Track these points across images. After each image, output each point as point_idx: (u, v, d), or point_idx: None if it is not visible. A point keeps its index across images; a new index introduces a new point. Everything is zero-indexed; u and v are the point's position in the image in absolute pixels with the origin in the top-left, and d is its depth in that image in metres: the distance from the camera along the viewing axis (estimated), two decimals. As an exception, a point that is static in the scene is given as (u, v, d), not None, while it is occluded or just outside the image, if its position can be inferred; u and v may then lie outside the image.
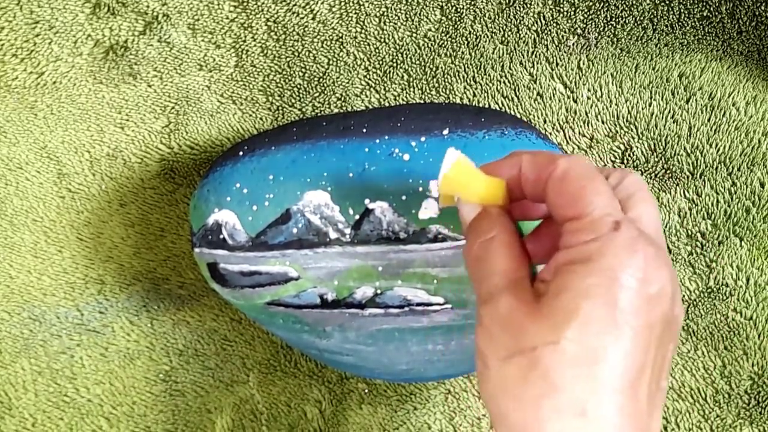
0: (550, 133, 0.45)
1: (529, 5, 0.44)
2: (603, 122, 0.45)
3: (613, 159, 0.45)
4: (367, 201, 0.34)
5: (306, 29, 0.43)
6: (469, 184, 0.26)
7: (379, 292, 0.35)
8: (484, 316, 0.24)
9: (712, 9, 0.44)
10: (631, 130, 0.45)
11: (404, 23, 0.44)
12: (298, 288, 0.35)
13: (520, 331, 0.22)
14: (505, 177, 0.26)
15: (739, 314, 0.46)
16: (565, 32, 0.44)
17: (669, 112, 0.45)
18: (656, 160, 0.45)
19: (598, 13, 0.44)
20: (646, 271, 0.21)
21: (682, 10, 0.44)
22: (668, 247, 0.46)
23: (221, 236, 0.35)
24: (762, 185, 0.45)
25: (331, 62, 0.44)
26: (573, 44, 0.45)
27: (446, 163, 0.26)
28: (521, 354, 0.22)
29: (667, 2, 0.44)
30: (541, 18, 0.44)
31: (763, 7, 0.44)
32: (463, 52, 0.45)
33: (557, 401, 0.21)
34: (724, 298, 0.46)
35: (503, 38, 0.44)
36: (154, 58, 0.42)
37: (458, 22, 0.44)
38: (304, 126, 0.36)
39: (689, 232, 0.46)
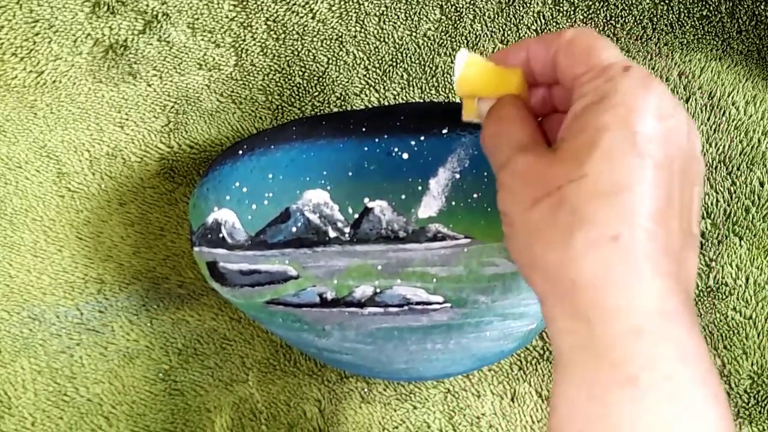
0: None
1: (528, 5, 0.44)
2: (602, 121, 0.45)
3: (612, 158, 0.45)
4: (366, 200, 0.34)
5: (305, 28, 0.43)
6: (484, 77, 0.26)
7: (378, 291, 0.35)
8: (503, 178, 0.24)
9: (711, 8, 0.44)
10: (631, 130, 0.45)
11: (404, 22, 0.44)
12: (297, 287, 0.35)
13: (542, 177, 0.22)
14: (515, 63, 0.26)
15: (739, 313, 0.46)
16: (564, 31, 0.44)
17: (668, 111, 0.45)
18: (656, 159, 0.45)
19: (598, 12, 0.44)
20: (661, 105, 0.22)
21: (681, 10, 0.44)
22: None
23: (221, 235, 0.35)
24: (761, 184, 0.45)
25: (330, 61, 0.44)
26: (572, 43, 0.44)
27: (458, 64, 0.27)
28: (547, 197, 0.22)
29: (667, 2, 0.44)
30: (541, 17, 0.44)
31: (762, 7, 0.44)
32: (462, 52, 0.45)
33: (589, 232, 0.21)
34: (724, 297, 0.46)
35: (503, 37, 0.44)
36: (154, 57, 0.42)
37: (458, 22, 0.44)
38: (303, 125, 0.36)
39: (689, 232, 0.46)
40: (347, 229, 0.34)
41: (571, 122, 0.23)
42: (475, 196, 0.33)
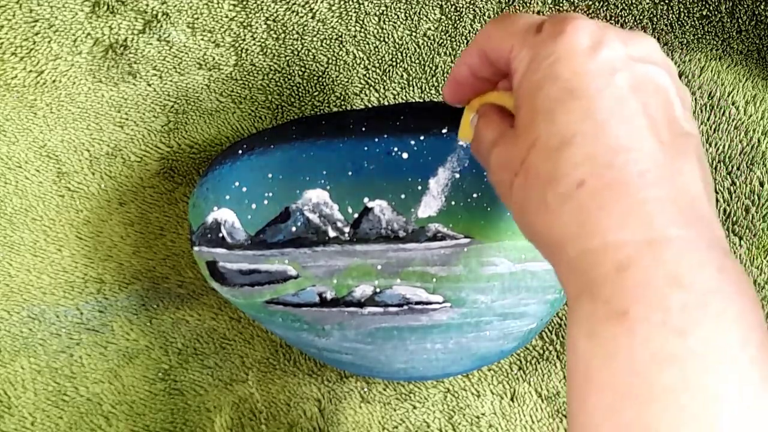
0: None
1: (528, 4, 0.44)
2: (602, 121, 0.45)
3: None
4: (366, 200, 0.34)
5: (305, 28, 0.43)
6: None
7: (378, 290, 0.35)
8: (491, 176, 0.26)
9: (711, 8, 0.44)
10: (631, 129, 0.45)
11: (404, 22, 0.44)
12: (297, 286, 0.35)
13: (510, 159, 0.24)
14: (464, 80, 0.28)
15: (739, 313, 0.45)
16: (564, 31, 0.44)
17: (668, 111, 0.45)
18: (655, 159, 0.45)
19: (598, 12, 0.44)
20: (580, 41, 0.22)
21: (681, 9, 0.44)
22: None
23: (220, 235, 0.35)
24: (761, 184, 0.45)
25: (330, 61, 0.44)
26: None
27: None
28: (516, 175, 0.23)
29: (667, 1, 0.44)
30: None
31: (762, 7, 0.44)
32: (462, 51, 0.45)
33: (556, 188, 0.21)
34: (724, 297, 0.46)
35: (502, 37, 0.44)
36: (154, 56, 0.42)
37: (458, 21, 0.44)
38: (303, 125, 0.36)
39: (688, 231, 0.46)
40: (347, 229, 0.34)
41: (515, 100, 0.24)
42: (474, 195, 0.33)
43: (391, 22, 0.44)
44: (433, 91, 0.45)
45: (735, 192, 0.45)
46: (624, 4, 0.44)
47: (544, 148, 0.22)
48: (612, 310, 0.20)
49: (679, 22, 0.45)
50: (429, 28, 0.44)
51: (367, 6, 0.43)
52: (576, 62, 0.22)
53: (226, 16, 0.42)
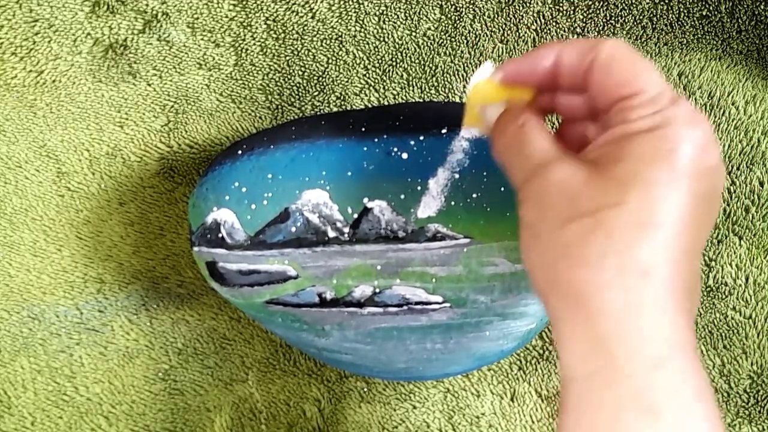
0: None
1: (528, 4, 0.44)
2: (602, 121, 0.45)
3: (612, 158, 0.45)
4: (365, 200, 0.34)
5: (305, 28, 0.43)
6: (494, 96, 0.27)
7: (377, 290, 0.35)
8: (530, 192, 0.24)
9: (711, 8, 0.44)
10: (631, 129, 0.45)
11: (404, 22, 0.44)
12: (296, 287, 0.35)
13: (579, 196, 0.22)
14: (540, 68, 0.25)
15: (738, 313, 0.46)
16: (564, 31, 0.44)
17: (668, 111, 0.45)
18: (655, 159, 0.45)
19: (598, 12, 0.44)
20: (705, 143, 0.22)
21: (681, 9, 0.44)
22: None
23: (220, 235, 0.35)
24: (761, 184, 0.45)
25: (330, 61, 0.44)
26: (572, 43, 0.44)
27: (479, 75, 0.27)
28: (582, 217, 0.22)
29: (667, 1, 0.44)
30: (541, 17, 0.44)
31: (762, 7, 0.44)
32: (462, 51, 0.45)
33: (622, 260, 0.21)
34: (724, 296, 0.46)
35: (503, 37, 0.44)
36: (154, 56, 0.42)
37: (457, 21, 0.44)
38: (302, 125, 0.36)
39: (688, 232, 0.46)
40: (346, 229, 0.34)
41: (613, 146, 0.22)
42: (474, 196, 0.33)
43: (391, 22, 0.44)
44: (433, 91, 0.45)
45: (735, 192, 0.45)
46: (624, 4, 0.44)
47: (629, 217, 0.21)
48: (643, 403, 0.20)
49: (679, 22, 0.45)
50: (429, 28, 0.44)
51: (367, 6, 0.43)
52: (697, 161, 0.22)
53: (226, 16, 0.42)
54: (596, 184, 0.22)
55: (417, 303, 0.35)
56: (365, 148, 0.34)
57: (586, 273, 0.21)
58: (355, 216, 0.34)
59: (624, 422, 0.20)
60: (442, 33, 0.44)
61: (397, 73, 0.45)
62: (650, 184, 0.21)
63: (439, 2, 0.43)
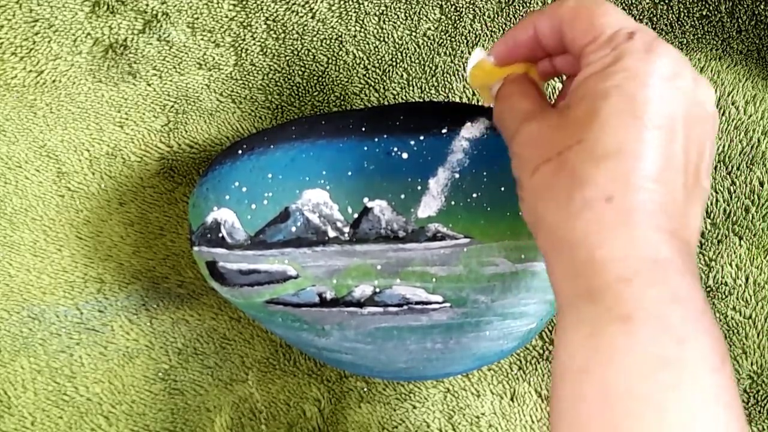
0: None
1: (528, 4, 0.44)
2: (602, 121, 0.45)
3: (612, 158, 0.45)
4: (365, 199, 0.34)
5: (305, 28, 0.43)
6: (493, 72, 0.29)
7: (377, 290, 0.35)
8: (513, 148, 0.26)
9: (711, 8, 0.44)
10: (631, 129, 0.45)
11: (404, 22, 0.44)
12: (296, 286, 0.35)
13: (545, 143, 0.24)
14: (524, 40, 0.27)
15: (738, 313, 0.46)
16: (564, 31, 0.44)
17: (668, 111, 0.45)
18: (655, 159, 0.45)
19: (598, 12, 0.44)
20: (663, 68, 0.23)
21: (681, 9, 0.44)
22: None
23: (220, 235, 0.35)
24: (761, 184, 0.45)
25: (330, 61, 0.44)
26: (572, 43, 0.44)
27: (471, 62, 0.30)
28: (548, 162, 0.23)
29: (667, 1, 0.44)
30: (541, 17, 0.44)
31: (762, 7, 0.44)
32: (462, 51, 0.45)
33: (584, 193, 0.22)
34: (724, 297, 0.46)
35: (502, 37, 0.44)
36: (154, 56, 0.42)
37: (458, 21, 0.44)
38: (303, 125, 0.36)
39: (688, 231, 0.46)
40: (347, 229, 0.34)
41: (575, 90, 0.24)
42: (474, 195, 0.33)
43: (391, 22, 0.44)
44: (433, 91, 0.45)
45: (735, 192, 0.45)
46: (624, 4, 0.44)
47: (588, 151, 0.22)
48: (615, 314, 0.21)
49: (679, 22, 0.45)
50: (429, 28, 0.44)
51: (367, 6, 0.43)
52: (650, 88, 0.22)
53: (226, 16, 0.42)
54: (560, 129, 0.24)
55: (417, 303, 0.35)
56: (365, 148, 0.34)
57: (558, 210, 0.23)
58: (356, 216, 0.34)
59: (601, 334, 0.21)
60: (442, 33, 0.44)
61: (397, 73, 0.45)
62: (605, 118, 0.22)
63: (439, 2, 0.43)
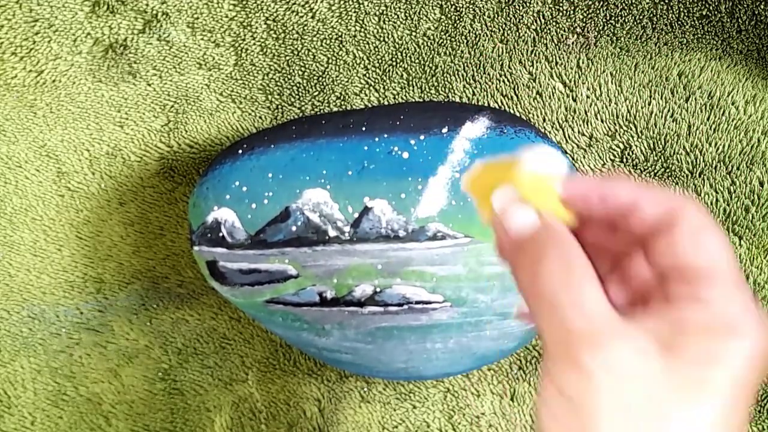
0: (549, 132, 0.45)
1: (528, 4, 0.44)
2: (602, 121, 0.45)
3: (612, 158, 0.45)
4: (366, 199, 0.34)
5: (305, 28, 0.43)
6: (540, 197, 0.21)
7: (378, 290, 0.35)
8: (581, 360, 0.18)
9: (711, 8, 0.44)
10: (631, 129, 0.45)
11: (404, 22, 0.44)
12: (297, 286, 0.35)
13: (656, 395, 0.18)
14: (609, 206, 0.21)
15: (738, 313, 0.46)
16: (564, 31, 0.44)
17: (668, 110, 0.45)
18: (655, 159, 0.45)
19: (598, 11, 0.44)
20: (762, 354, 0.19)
21: (681, 9, 0.44)
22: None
23: (220, 234, 0.35)
24: (761, 184, 0.45)
25: (330, 61, 0.44)
26: (572, 43, 0.45)
27: (523, 162, 0.21)
28: (659, 420, 0.17)
29: (667, 1, 0.44)
30: (541, 17, 0.44)
31: (762, 7, 0.44)
32: (462, 51, 0.45)
33: None
34: (723, 297, 0.46)
35: (502, 37, 0.44)
36: (154, 56, 0.42)
37: (457, 21, 0.44)
38: (303, 124, 0.36)
39: (688, 231, 0.46)
40: (347, 228, 0.34)
41: (680, 334, 0.18)
42: (474, 195, 0.33)
43: (391, 22, 0.44)
44: (433, 91, 0.45)
45: (735, 192, 0.45)
46: (624, 4, 0.44)
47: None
48: None
49: (679, 22, 0.45)
50: (429, 28, 0.44)
51: (367, 6, 0.43)
52: (745, 373, 0.19)
53: (226, 16, 0.42)
54: (671, 386, 0.18)
55: (417, 302, 0.35)
56: (366, 148, 0.34)
57: None
58: (356, 215, 0.34)
59: None
60: (442, 33, 0.44)
61: (397, 73, 0.45)
62: (724, 401, 0.18)
63: (439, 2, 0.43)
